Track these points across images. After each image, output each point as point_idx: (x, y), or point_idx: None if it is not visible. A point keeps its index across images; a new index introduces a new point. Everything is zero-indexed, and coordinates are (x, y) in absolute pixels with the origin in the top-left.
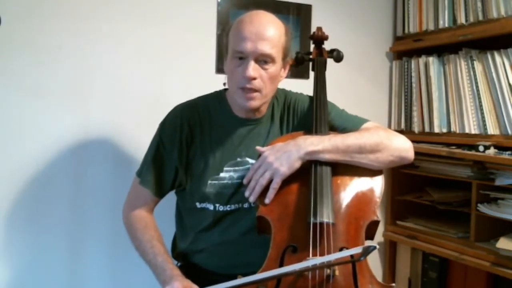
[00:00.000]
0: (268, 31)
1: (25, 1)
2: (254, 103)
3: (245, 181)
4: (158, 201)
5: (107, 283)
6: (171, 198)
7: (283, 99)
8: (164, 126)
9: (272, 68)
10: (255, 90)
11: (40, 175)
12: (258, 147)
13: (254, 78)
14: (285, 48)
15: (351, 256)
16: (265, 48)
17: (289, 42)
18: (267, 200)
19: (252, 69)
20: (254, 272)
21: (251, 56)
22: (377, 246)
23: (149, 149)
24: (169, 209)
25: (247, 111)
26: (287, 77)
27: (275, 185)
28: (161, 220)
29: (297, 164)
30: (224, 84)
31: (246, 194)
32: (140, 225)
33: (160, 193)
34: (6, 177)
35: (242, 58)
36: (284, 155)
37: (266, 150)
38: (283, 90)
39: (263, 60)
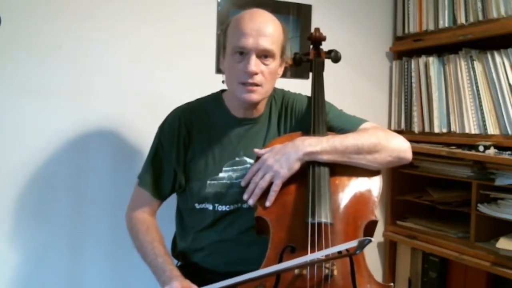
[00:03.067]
0: (269, 27)
1: (25, 1)
2: (255, 97)
3: (243, 183)
4: (160, 204)
5: (107, 283)
6: (171, 198)
7: (281, 99)
8: (163, 128)
9: (272, 64)
10: (257, 85)
11: (40, 174)
12: (256, 150)
13: (256, 73)
14: (283, 46)
15: (347, 250)
16: (266, 43)
17: (287, 41)
18: (268, 203)
19: (254, 64)
20: (253, 270)
21: (252, 52)
22: (372, 239)
23: (149, 151)
24: (169, 209)
25: (246, 108)
26: (287, 77)
27: (276, 187)
28: (161, 220)
29: (296, 166)
30: (223, 82)
31: (245, 197)
32: (142, 227)
33: (158, 195)
34: (6, 177)
35: (243, 54)
36: (283, 157)
37: (265, 153)
38: (282, 90)
39: (263, 55)
